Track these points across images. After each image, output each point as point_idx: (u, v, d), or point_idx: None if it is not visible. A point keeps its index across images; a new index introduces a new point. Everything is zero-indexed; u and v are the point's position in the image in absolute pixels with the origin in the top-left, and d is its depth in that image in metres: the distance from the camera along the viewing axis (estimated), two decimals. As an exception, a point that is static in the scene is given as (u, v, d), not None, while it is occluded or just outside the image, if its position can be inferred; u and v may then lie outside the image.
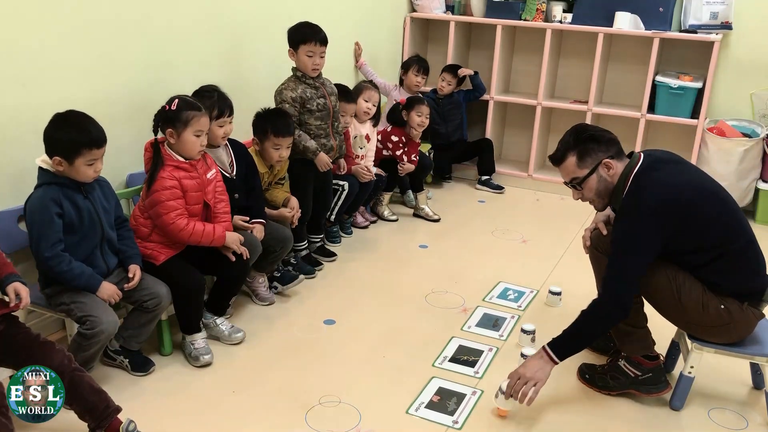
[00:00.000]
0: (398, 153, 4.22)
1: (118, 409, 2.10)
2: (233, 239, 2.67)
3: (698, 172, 2.41)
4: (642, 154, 2.37)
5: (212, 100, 2.76)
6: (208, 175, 2.68)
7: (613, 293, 2.30)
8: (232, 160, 2.95)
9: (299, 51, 3.28)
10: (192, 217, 2.60)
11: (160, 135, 2.56)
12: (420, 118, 4.18)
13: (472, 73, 4.87)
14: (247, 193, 2.98)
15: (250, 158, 3.05)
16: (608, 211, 2.56)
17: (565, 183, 2.46)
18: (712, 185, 2.35)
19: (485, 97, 5.01)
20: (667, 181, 2.27)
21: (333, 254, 3.67)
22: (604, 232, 2.52)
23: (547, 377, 2.33)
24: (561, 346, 2.34)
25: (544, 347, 2.36)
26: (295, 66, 3.35)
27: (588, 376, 2.61)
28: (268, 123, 3.08)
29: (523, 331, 2.87)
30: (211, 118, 2.74)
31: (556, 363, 2.34)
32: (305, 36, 3.26)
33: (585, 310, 2.36)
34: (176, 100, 2.52)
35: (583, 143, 2.37)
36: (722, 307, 2.29)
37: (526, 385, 2.30)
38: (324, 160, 3.40)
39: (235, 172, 2.94)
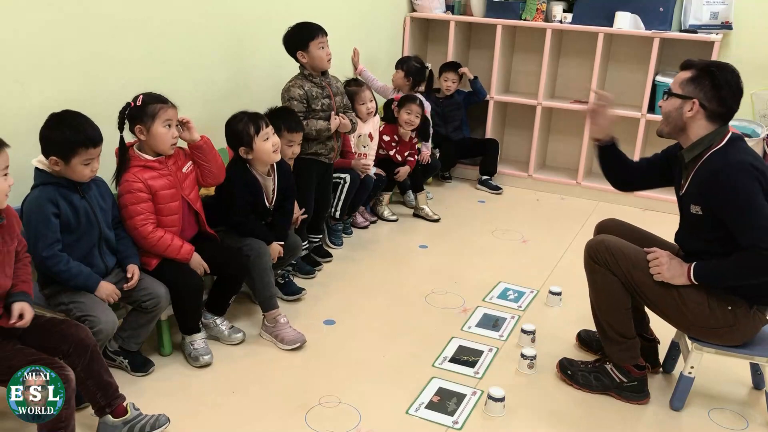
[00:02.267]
0: (391, 153, 4.21)
1: (124, 397, 2.18)
2: (198, 262, 2.62)
3: None
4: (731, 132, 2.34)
5: (243, 122, 2.81)
6: (184, 170, 2.66)
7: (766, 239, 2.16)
8: (275, 188, 2.96)
9: (311, 48, 3.28)
10: (168, 225, 2.56)
11: (129, 139, 2.55)
12: (409, 116, 4.14)
13: (472, 77, 4.88)
14: (277, 215, 3.01)
15: (292, 180, 3.04)
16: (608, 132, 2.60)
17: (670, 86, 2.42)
18: None
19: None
20: (756, 152, 2.28)
21: (329, 255, 3.67)
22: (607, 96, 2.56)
23: (672, 280, 2.32)
24: (704, 271, 2.29)
25: (689, 266, 2.31)
26: (302, 65, 3.35)
27: (570, 372, 2.60)
28: (280, 120, 3.09)
29: (523, 331, 2.87)
30: (253, 136, 2.79)
31: (691, 281, 2.30)
32: (313, 32, 3.29)
33: (741, 253, 2.22)
34: (141, 96, 2.50)
35: (704, 76, 2.29)
36: (729, 308, 2.28)
37: (659, 266, 2.33)
38: (336, 122, 3.40)
39: (273, 203, 2.96)
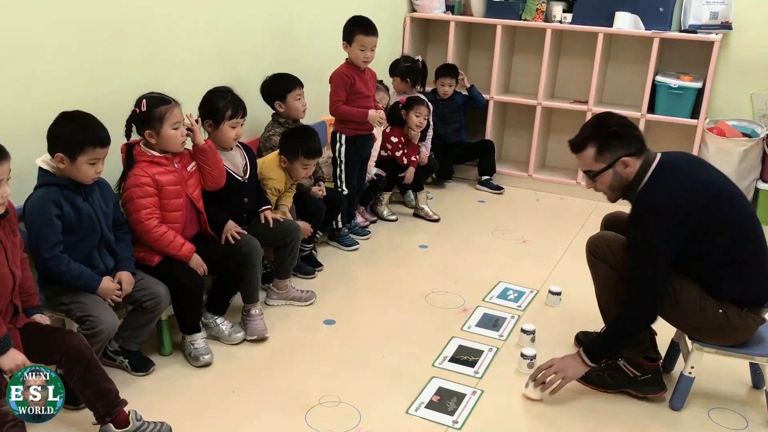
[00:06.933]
0: (398, 154, 4.22)
1: (125, 402, 2.15)
2: (197, 262, 2.63)
3: (717, 173, 2.38)
4: (659, 153, 2.36)
5: (226, 101, 2.83)
6: (189, 168, 2.67)
7: (641, 305, 2.34)
8: (246, 163, 2.98)
9: (288, 99, 3.39)
10: (171, 222, 2.58)
11: (134, 138, 2.56)
12: (418, 119, 4.17)
13: (468, 86, 4.92)
14: (257, 196, 3.04)
15: (255, 160, 3.08)
16: None
17: (583, 171, 2.45)
18: (729, 187, 2.34)
19: (485, 96, 5.01)
20: (684, 182, 2.27)
21: (319, 264, 3.58)
22: None
23: (577, 376, 2.44)
24: (594, 351, 2.42)
25: (578, 351, 2.43)
26: (277, 113, 3.43)
27: (585, 374, 2.61)
28: (298, 144, 3.14)
29: (523, 331, 2.87)
30: (225, 118, 2.81)
31: (589, 366, 2.42)
32: (291, 84, 3.40)
33: (617, 319, 2.41)
34: (144, 100, 2.50)
35: (605, 138, 2.35)
36: (720, 311, 2.29)
37: (555, 375, 2.41)
38: (317, 193, 3.54)
39: (248, 176, 2.97)
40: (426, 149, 4.51)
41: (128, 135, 2.53)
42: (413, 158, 4.27)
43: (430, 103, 4.39)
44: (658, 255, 2.26)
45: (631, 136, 2.35)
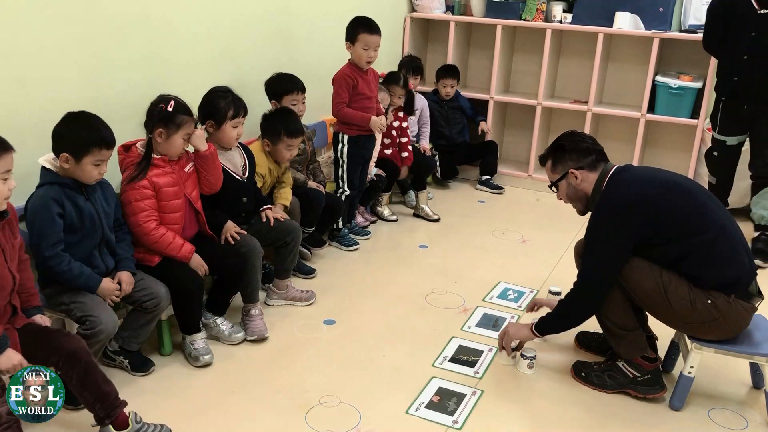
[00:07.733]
0: (387, 151, 4.22)
1: (125, 403, 2.14)
2: (198, 263, 2.63)
3: (669, 172, 2.53)
4: (616, 165, 2.53)
5: (227, 101, 2.83)
6: (187, 169, 2.68)
7: (584, 290, 2.49)
8: (245, 163, 2.98)
9: (283, 101, 3.38)
10: (170, 223, 2.58)
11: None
12: (393, 98, 4.11)
13: (488, 131, 5.00)
14: (255, 196, 3.03)
15: (254, 161, 3.08)
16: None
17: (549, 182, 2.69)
18: (679, 179, 2.48)
19: (485, 97, 5.02)
20: (634, 180, 2.44)
21: (323, 241, 3.69)
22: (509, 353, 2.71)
23: (516, 336, 2.67)
24: (542, 324, 2.59)
25: (531, 321, 2.63)
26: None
27: (584, 374, 2.62)
28: (280, 124, 3.13)
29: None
30: (227, 118, 2.81)
31: (535, 334, 2.60)
32: (289, 87, 3.41)
33: (563, 300, 2.57)
34: (172, 102, 2.51)
35: (556, 152, 2.60)
36: (709, 302, 2.32)
37: (505, 337, 2.68)
38: (313, 185, 3.55)
39: (246, 175, 2.97)
40: (425, 141, 4.52)
41: (149, 129, 2.52)
42: (404, 154, 4.26)
43: (423, 99, 4.40)
44: (604, 249, 2.42)
45: (582, 150, 2.54)
